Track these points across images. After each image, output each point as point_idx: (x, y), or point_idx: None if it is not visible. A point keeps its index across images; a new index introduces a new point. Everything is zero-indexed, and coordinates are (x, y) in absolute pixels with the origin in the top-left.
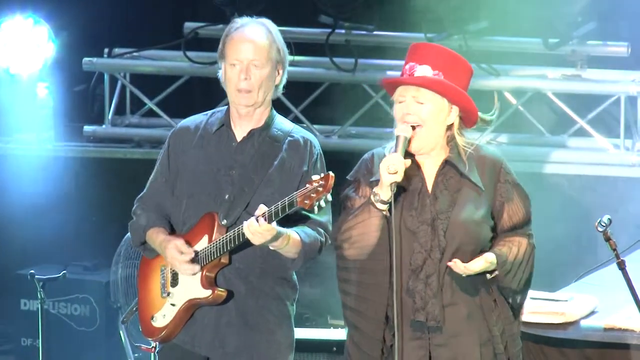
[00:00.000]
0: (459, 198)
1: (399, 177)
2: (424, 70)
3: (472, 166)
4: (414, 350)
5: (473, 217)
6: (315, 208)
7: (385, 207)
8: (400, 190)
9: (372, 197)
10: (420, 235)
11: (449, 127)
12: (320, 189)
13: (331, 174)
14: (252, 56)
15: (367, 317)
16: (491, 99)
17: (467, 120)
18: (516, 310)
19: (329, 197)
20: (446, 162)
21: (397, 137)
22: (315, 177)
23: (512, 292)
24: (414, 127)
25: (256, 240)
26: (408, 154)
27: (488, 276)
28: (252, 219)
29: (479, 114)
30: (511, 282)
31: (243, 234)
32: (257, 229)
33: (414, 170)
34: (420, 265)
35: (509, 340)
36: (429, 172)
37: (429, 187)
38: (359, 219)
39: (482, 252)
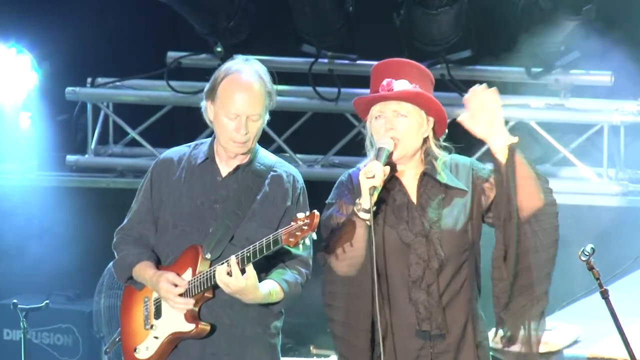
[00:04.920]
0: (445, 206)
1: (376, 182)
2: (402, 85)
3: (448, 173)
4: None
5: (460, 225)
6: (300, 246)
7: (368, 216)
8: (387, 206)
9: (355, 207)
10: (416, 246)
11: (425, 139)
12: (306, 227)
13: (316, 212)
14: (249, 111)
15: (355, 329)
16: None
17: (438, 131)
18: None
19: (314, 236)
20: (424, 174)
21: (380, 148)
22: (300, 215)
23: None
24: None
25: (236, 282)
26: (390, 165)
27: None
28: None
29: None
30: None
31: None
32: (236, 280)
33: (396, 186)
34: (421, 276)
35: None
36: (410, 186)
37: (414, 199)
38: (343, 231)
39: (471, 256)
